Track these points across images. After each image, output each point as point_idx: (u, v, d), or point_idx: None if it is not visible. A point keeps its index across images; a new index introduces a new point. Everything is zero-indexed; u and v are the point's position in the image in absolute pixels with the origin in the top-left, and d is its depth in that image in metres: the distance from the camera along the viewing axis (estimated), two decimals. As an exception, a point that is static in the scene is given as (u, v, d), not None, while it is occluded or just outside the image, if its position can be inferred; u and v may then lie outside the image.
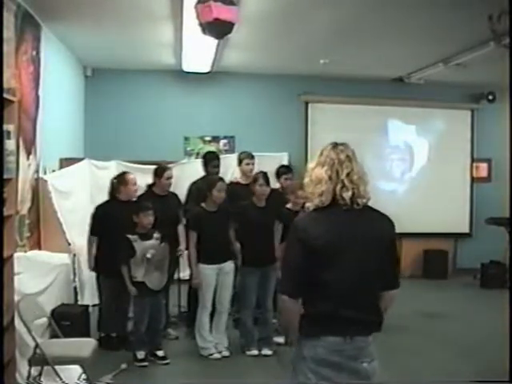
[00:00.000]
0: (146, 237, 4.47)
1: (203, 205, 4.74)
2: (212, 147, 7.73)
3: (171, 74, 7.70)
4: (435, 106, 8.47)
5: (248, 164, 5.58)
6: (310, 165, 2.22)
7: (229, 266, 4.77)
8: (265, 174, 4.87)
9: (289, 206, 4.85)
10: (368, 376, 2.15)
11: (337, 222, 2.12)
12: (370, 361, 2.15)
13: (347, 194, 2.10)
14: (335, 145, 2.20)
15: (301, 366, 2.14)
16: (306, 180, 2.21)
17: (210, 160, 5.56)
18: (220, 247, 4.69)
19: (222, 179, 4.86)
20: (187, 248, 4.85)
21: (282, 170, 5.62)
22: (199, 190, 5.07)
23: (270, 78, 7.92)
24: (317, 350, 2.09)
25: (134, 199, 4.97)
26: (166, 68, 7.58)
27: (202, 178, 5.43)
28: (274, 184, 5.35)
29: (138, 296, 4.46)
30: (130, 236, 4.43)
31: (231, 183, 5.59)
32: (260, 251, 4.70)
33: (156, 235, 4.52)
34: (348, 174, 2.12)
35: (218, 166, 5.52)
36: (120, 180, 4.88)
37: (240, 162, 5.65)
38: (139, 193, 5.29)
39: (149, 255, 4.39)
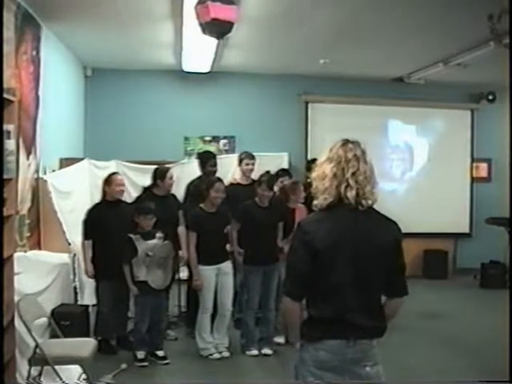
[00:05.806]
0: (148, 236, 4.47)
1: (202, 205, 4.72)
2: (212, 147, 7.70)
3: (171, 74, 7.70)
4: (435, 106, 8.46)
5: (248, 164, 5.58)
6: (319, 160, 2.19)
7: (227, 266, 4.75)
8: (270, 178, 4.88)
9: (289, 204, 4.95)
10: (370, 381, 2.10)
11: (340, 223, 2.09)
12: (372, 364, 2.11)
13: (351, 194, 2.06)
14: (345, 142, 2.16)
15: (301, 370, 2.12)
16: (313, 175, 2.17)
17: (208, 160, 5.52)
18: (219, 248, 4.68)
19: (220, 180, 4.83)
20: (182, 249, 4.84)
21: (280, 174, 5.64)
22: (197, 189, 5.05)
23: (270, 78, 7.92)
24: (319, 354, 2.07)
25: (128, 200, 5.05)
26: (166, 68, 7.58)
27: (199, 178, 5.41)
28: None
29: (140, 295, 4.45)
30: (131, 235, 4.42)
31: (231, 184, 5.59)
32: (263, 250, 4.71)
33: (159, 234, 4.50)
34: (353, 174, 2.08)
35: (215, 165, 5.50)
36: (106, 181, 4.85)
37: (240, 162, 5.65)
38: (138, 193, 5.33)
39: (150, 252, 4.39)
